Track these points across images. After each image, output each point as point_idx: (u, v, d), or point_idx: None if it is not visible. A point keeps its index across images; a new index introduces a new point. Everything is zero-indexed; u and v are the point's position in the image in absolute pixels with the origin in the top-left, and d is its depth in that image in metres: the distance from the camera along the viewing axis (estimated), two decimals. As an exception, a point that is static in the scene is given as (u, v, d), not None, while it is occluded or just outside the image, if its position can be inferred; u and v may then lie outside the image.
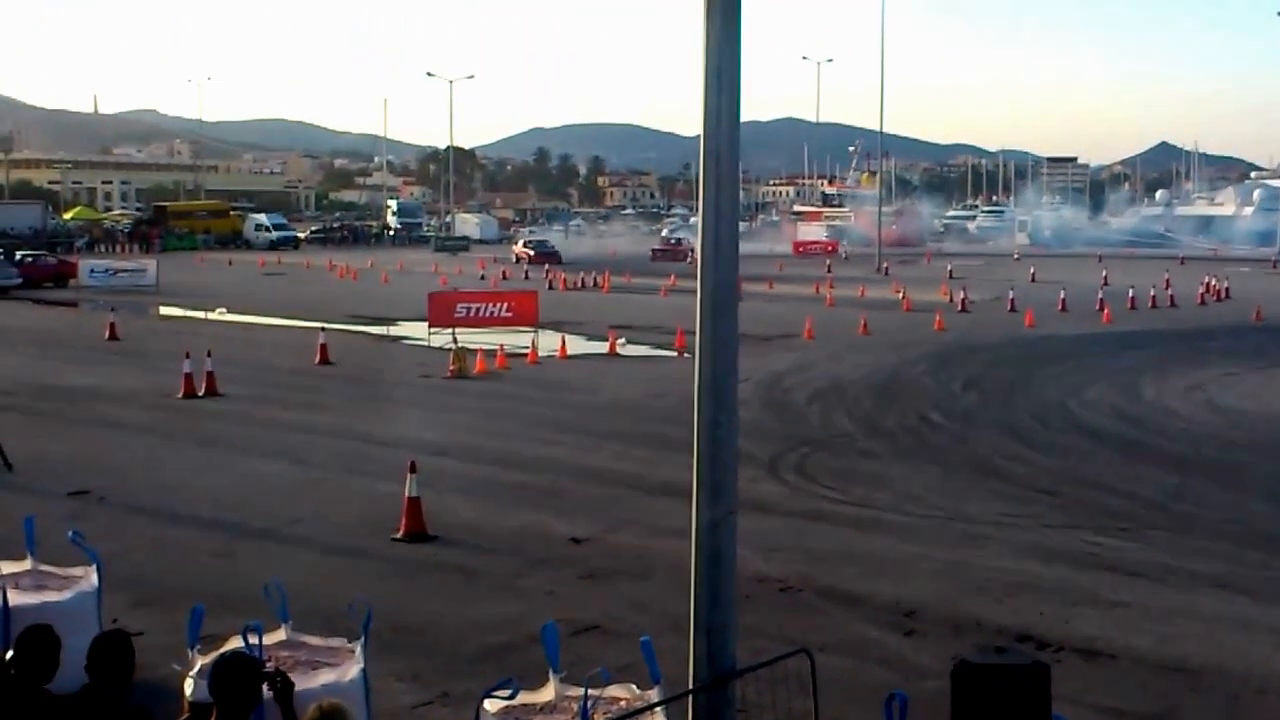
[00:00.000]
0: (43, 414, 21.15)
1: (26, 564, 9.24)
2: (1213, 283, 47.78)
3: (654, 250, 79.40)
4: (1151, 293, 43.53)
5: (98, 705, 5.63)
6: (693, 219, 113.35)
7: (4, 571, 8.92)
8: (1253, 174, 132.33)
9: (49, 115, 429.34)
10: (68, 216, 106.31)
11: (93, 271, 54.94)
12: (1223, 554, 12.84)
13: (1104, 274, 53.92)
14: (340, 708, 5.08)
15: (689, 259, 58.16)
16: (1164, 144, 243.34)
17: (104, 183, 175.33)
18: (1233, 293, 47.08)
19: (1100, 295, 42.47)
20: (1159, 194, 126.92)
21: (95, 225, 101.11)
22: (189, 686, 7.21)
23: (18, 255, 55.90)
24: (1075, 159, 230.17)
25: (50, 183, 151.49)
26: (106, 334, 32.72)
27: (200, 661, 7.37)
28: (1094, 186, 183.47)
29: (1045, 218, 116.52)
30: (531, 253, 73.27)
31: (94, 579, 9.03)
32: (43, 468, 16.67)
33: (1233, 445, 18.89)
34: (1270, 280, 57.82)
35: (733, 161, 6.60)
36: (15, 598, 8.50)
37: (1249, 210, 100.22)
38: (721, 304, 6.64)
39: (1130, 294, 42.90)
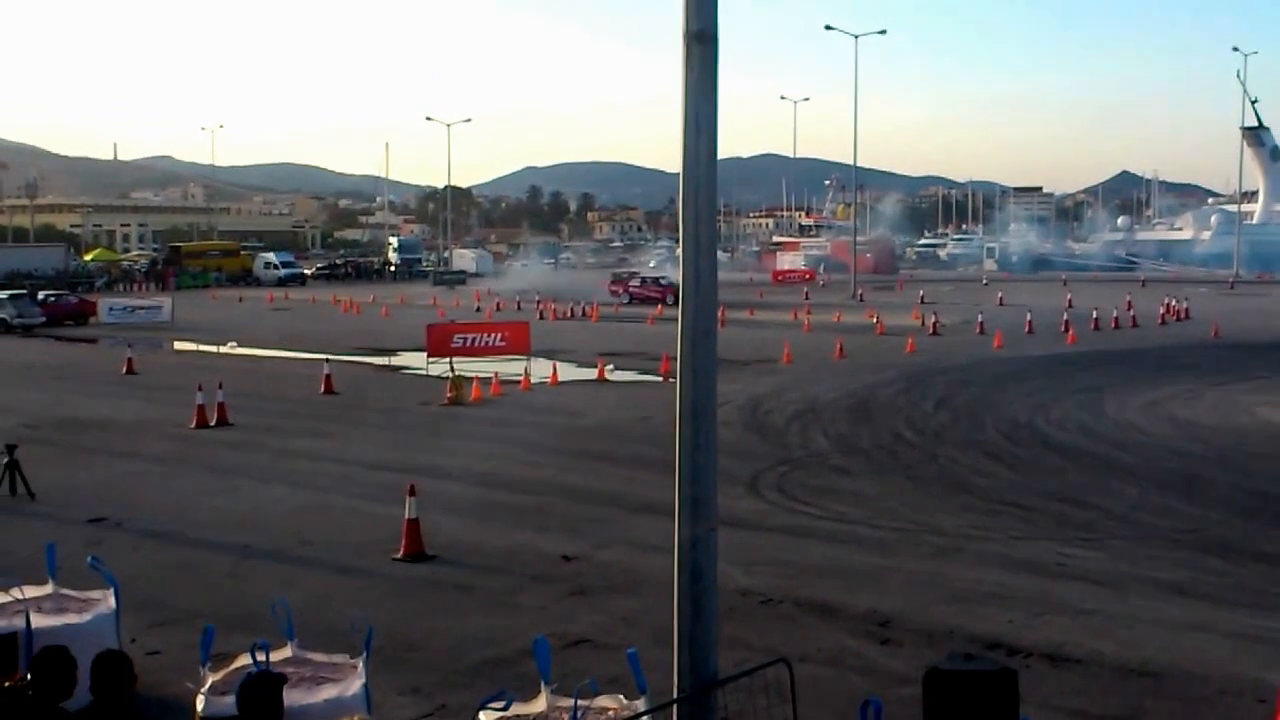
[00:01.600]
0: (64, 445, 21.08)
1: (48, 588, 9.23)
2: (1173, 303, 47.98)
3: (623, 288, 64.52)
4: (1114, 314, 43.70)
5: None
6: (678, 251, 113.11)
7: (27, 595, 8.88)
8: (1210, 200, 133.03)
9: (71, 162, 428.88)
10: (88, 258, 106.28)
11: (111, 309, 54.94)
12: (1183, 562, 12.86)
13: (1068, 297, 54.08)
14: None
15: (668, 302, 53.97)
16: (1125, 172, 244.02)
17: (123, 225, 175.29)
18: (1192, 313, 47.27)
19: (1065, 317, 42.62)
20: (1120, 220, 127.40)
21: (114, 265, 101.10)
22: (200, 703, 7.19)
23: (41, 295, 55.83)
24: (1040, 188, 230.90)
25: (72, 226, 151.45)
26: (124, 368, 32.64)
27: (211, 678, 7.36)
28: (1059, 213, 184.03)
29: (1013, 244, 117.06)
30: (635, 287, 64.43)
31: (112, 601, 9.01)
32: (63, 495, 16.63)
33: (1192, 458, 18.92)
34: (1228, 300, 58.04)
35: (710, 199, 6.66)
36: (38, 620, 8.47)
37: (1207, 234, 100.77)
38: (701, 331, 6.69)
39: (1094, 315, 43.01)
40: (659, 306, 54.97)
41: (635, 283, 65.53)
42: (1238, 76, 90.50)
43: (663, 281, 62.82)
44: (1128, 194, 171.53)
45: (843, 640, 10.40)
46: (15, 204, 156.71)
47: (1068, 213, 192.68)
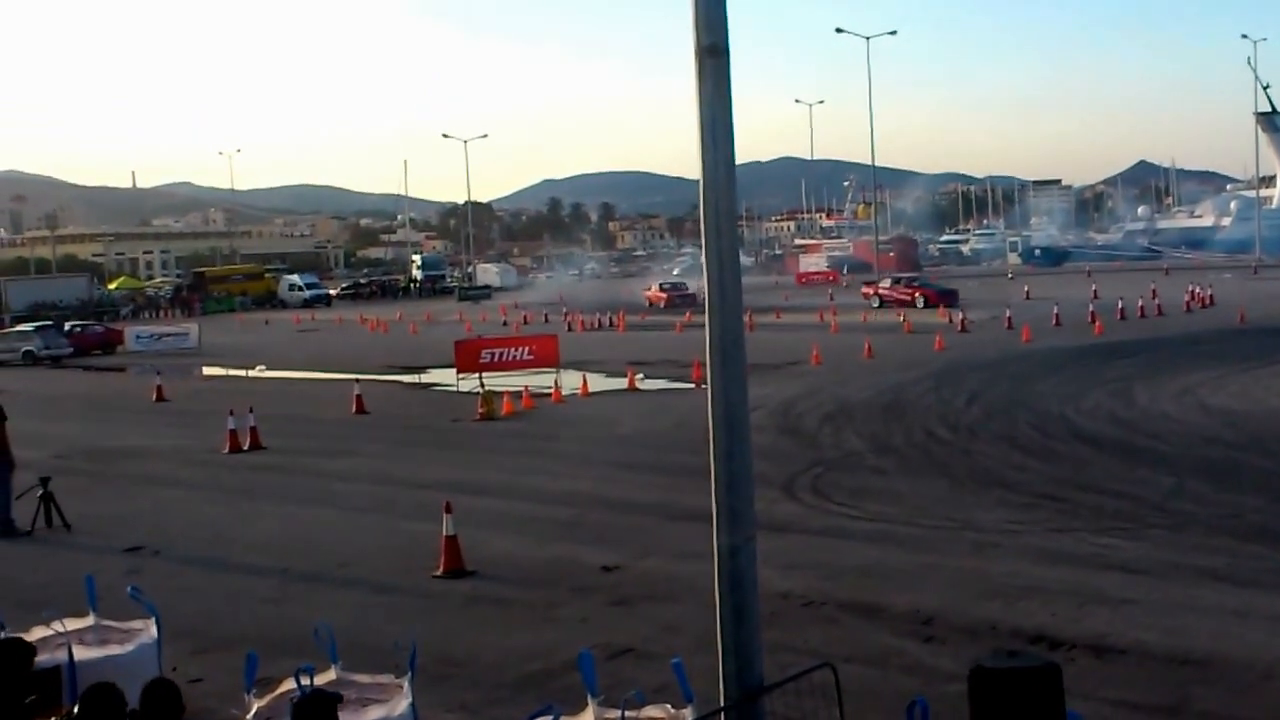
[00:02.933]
0: (97, 475, 21.26)
1: (89, 620, 9.25)
2: (1197, 290, 47.69)
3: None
4: (1140, 303, 43.42)
5: None
6: (703, 258, 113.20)
7: (68, 628, 8.93)
8: (1229, 186, 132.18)
9: (91, 192, 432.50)
10: (112, 286, 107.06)
11: (138, 337, 55.34)
12: (1222, 548, 12.77)
13: (1094, 288, 53.84)
14: None
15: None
16: (1143, 162, 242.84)
17: (145, 253, 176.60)
18: (1217, 299, 46.96)
19: (1091, 308, 42.41)
20: (1141, 209, 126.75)
21: (138, 293, 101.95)
22: (246, 729, 7.23)
23: (67, 325, 56.28)
24: (1059, 180, 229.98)
25: (95, 255, 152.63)
26: (154, 396, 32.88)
27: (256, 705, 7.38)
28: (1079, 205, 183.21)
29: (1035, 237, 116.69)
30: (666, 295, 66.79)
31: (153, 631, 9.03)
32: (99, 526, 16.76)
33: (1225, 444, 18.79)
34: (1251, 285, 57.62)
35: (730, 211, 6.69)
36: (80, 653, 8.49)
37: (1227, 220, 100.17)
38: (730, 342, 6.70)
39: (1120, 305, 42.78)
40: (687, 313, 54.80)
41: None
42: (1248, 63, 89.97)
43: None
44: (1146, 183, 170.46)
45: (886, 640, 10.38)
46: (36, 235, 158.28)
47: (1088, 204, 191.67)
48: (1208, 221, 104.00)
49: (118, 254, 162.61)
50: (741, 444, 6.71)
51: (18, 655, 6.78)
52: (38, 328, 53.46)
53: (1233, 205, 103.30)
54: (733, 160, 6.62)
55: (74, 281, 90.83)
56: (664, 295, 67.08)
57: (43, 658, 7.81)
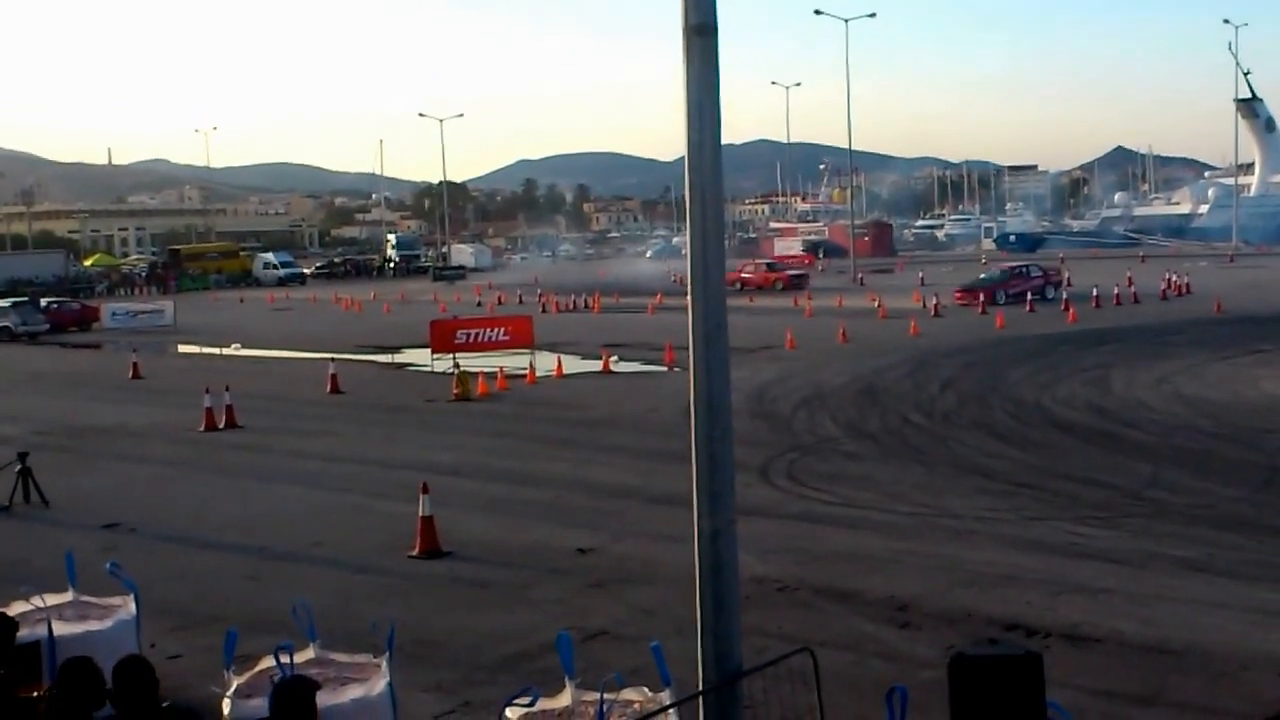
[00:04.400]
0: (74, 451, 21.12)
1: (69, 595, 9.24)
2: (1174, 279, 47.90)
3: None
4: (1115, 290, 43.61)
5: None
6: (675, 240, 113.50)
7: (48, 603, 8.89)
8: (1207, 173, 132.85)
9: (67, 168, 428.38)
10: (88, 263, 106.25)
11: (114, 314, 54.95)
12: (1199, 538, 12.85)
13: (1068, 275, 54.02)
14: None
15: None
16: (1120, 148, 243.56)
17: (120, 230, 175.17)
18: (1193, 287, 47.19)
19: (1065, 295, 42.57)
20: (1118, 196, 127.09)
21: (114, 270, 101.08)
22: (227, 707, 7.20)
23: (43, 302, 55.83)
24: (1035, 166, 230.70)
25: (70, 232, 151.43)
26: (130, 373, 32.65)
27: (236, 682, 7.37)
28: (1055, 191, 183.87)
29: (1010, 223, 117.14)
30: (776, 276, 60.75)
31: (132, 607, 9.03)
32: (76, 502, 16.66)
33: (1202, 433, 18.90)
34: (1228, 274, 57.94)
35: (716, 191, 6.65)
36: (60, 628, 8.50)
37: (1205, 208, 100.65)
38: (713, 325, 6.67)
39: (1095, 292, 42.96)
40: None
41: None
42: (1229, 49, 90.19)
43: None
44: (1124, 169, 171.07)
45: (861, 625, 10.42)
46: (12, 211, 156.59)
47: (1064, 190, 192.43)
48: (1185, 209, 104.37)
49: (93, 231, 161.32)
50: (723, 428, 6.69)
51: (0, 629, 6.73)
52: (14, 304, 53.00)
53: (1211, 193, 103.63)
54: (719, 140, 6.58)
55: (50, 258, 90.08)
56: (775, 275, 61.06)
57: (22, 633, 7.76)
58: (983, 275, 50.78)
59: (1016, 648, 6.08)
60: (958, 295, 45.84)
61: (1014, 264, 51.46)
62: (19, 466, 16.58)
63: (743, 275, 60.80)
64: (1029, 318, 38.45)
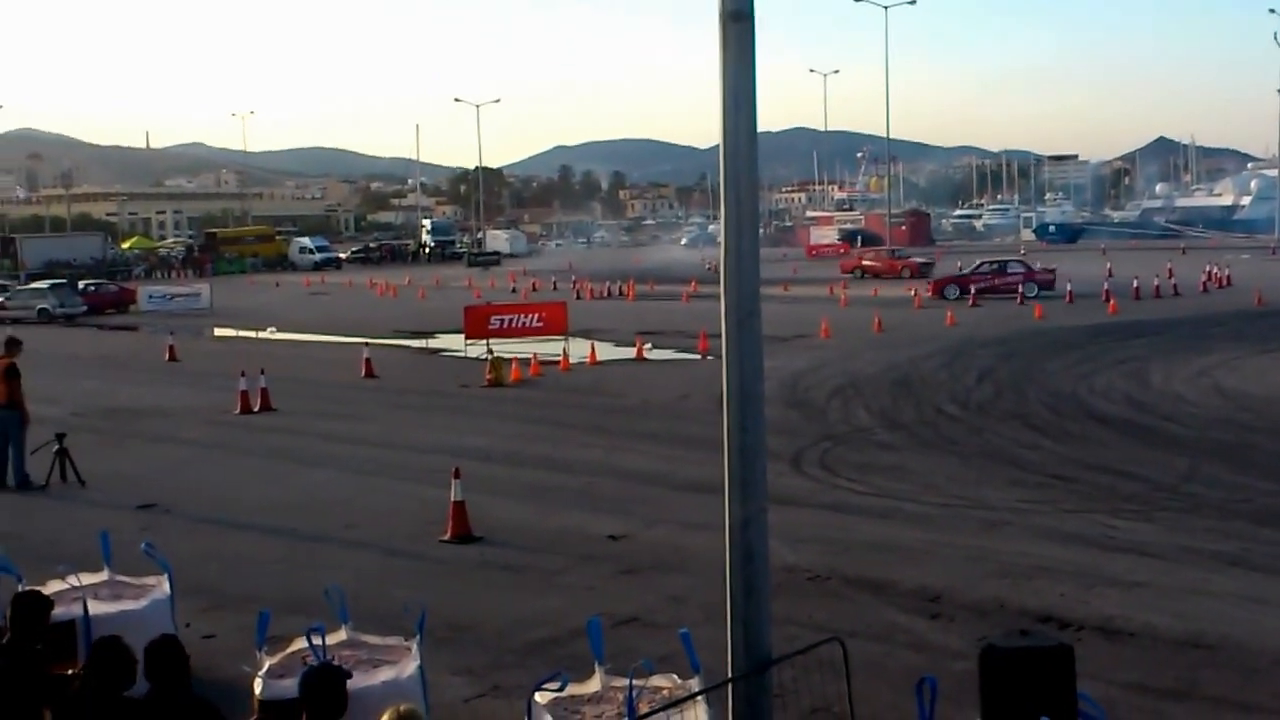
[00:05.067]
0: (110, 433, 21.34)
1: (104, 575, 9.32)
2: (1214, 270, 47.44)
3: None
4: (1155, 282, 43.21)
5: (167, 704, 5.72)
6: (710, 227, 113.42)
7: (84, 582, 8.99)
8: (1249, 165, 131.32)
9: (106, 152, 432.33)
10: (125, 246, 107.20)
11: (151, 297, 55.48)
12: (1235, 532, 12.74)
13: (1108, 266, 53.60)
14: (416, 712, 5.06)
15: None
16: (1162, 138, 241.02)
17: (158, 213, 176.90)
18: (1234, 280, 46.71)
19: (1106, 286, 42.23)
20: (1159, 187, 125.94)
21: (151, 253, 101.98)
22: (258, 686, 7.27)
23: (81, 284, 56.40)
24: (1076, 156, 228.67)
25: (108, 214, 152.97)
26: (166, 356, 32.97)
27: (268, 662, 7.43)
28: (1095, 181, 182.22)
29: (1049, 213, 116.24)
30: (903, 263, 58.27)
31: (166, 587, 9.10)
32: (112, 483, 16.83)
33: (1240, 427, 18.72)
34: (1270, 266, 57.32)
35: (751, 179, 6.62)
36: (95, 607, 8.57)
37: (1247, 200, 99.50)
38: (745, 313, 6.66)
39: (1135, 284, 42.58)
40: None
41: None
42: (1275, 39, 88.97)
43: None
44: (1165, 160, 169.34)
45: (893, 616, 10.39)
46: (52, 194, 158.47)
47: (1105, 180, 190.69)
48: (1227, 200, 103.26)
49: (131, 213, 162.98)
50: (755, 415, 6.68)
51: (36, 608, 6.84)
52: (52, 286, 53.61)
53: (1253, 184, 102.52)
54: (754, 128, 6.55)
55: (88, 240, 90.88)
56: (901, 263, 58.75)
57: (58, 611, 7.86)
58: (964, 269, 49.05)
59: (1048, 639, 6.05)
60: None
61: (995, 259, 49.25)
62: (56, 447, 16.78)
63: (864, 262, 58.76)
64: (1071, 309, 38.16)
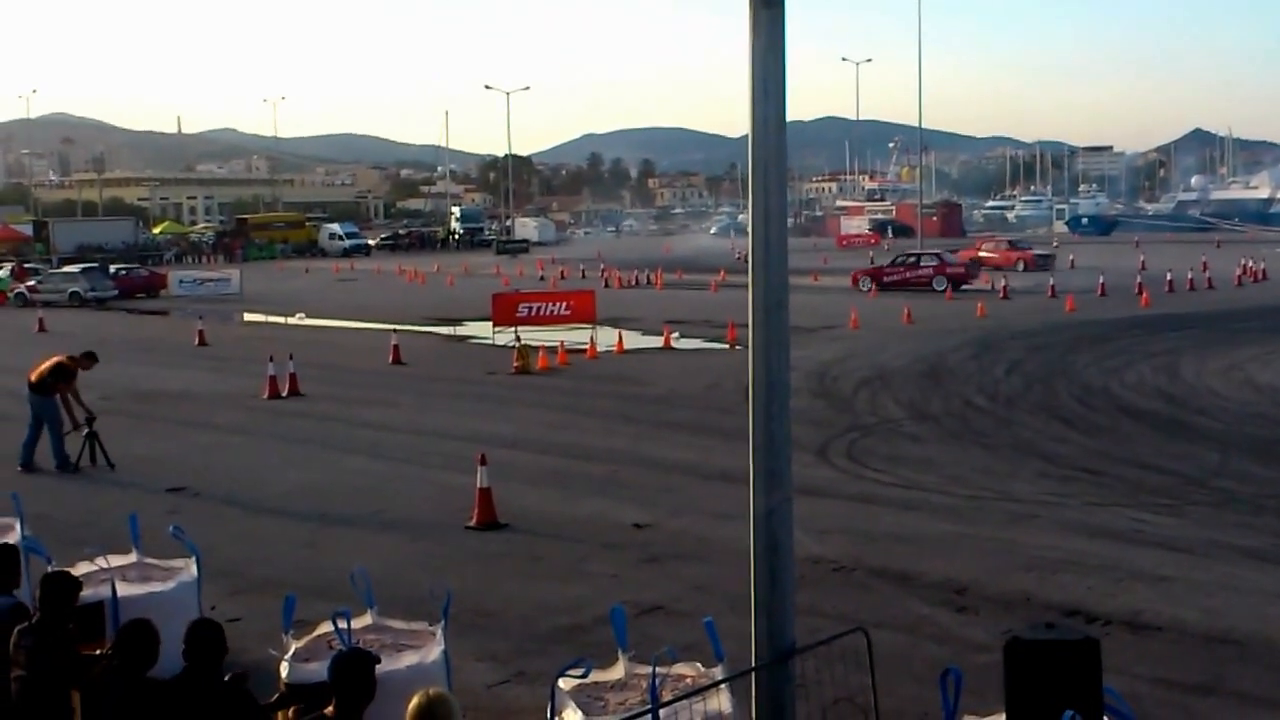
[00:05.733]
0: (140, 416, 21.51)
1: (132, 557, 9.41)
2: (1249, 264, 47.00)
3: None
4: (1189, 276, 42.87)
5: (197, 686, 5.81)
6: (740, 216, 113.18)
7: (112, 564, 9.08)
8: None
9: (138, 137, 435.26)
10: (157, 231, 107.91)
11: (181, 282, 55.85)
12: (1265, 528, 12.65)
13: (1141, 258, 53.19)
14: (445, 697, 5.07)
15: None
16: (1198, 130, 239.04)
17: (189, 198, 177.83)
18: (1269, 274, 46.29)
19: (1139, 279, 41.93)
20: (1195, 179, 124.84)
21: (182, 238, 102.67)
22: (284, 669, 7.33)
23: (113, 269, 56.82)
24: (1110, 147, 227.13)
25: (140, 199, 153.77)
26: (196, 340, 33.19)
27: (294, 645, 7.49)
28: (1130, 172, 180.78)
29: (1083, 205, 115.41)
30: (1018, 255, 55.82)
31: (194, 570, 9.17)
32: (142, 466, 16.99)
33: (1272, 422, 18.57)
34: (1304, 260, 56.72)
35: (780, 167, 6.59)
36: (123, 589, 8.64)
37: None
38: (774, 302, 6.65)
39: (1168, 277, 42.26)
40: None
41: None
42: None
43: None
44: (1201, 152, 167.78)
45: (918, 608, 10.38)
46: (84, 178, 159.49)
47: (1139, 172, 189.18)
48: (1263, 193, 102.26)
49: (162, 199, 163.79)
50: (781, 405, 6.67)
51: (65, 588, 6.94)
52: (84, 269, 54.05)
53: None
54: (784, 116, 6.52)
55: (120, 225, 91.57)
56: (1018, 254, 56.60)
57: (86, 593, 7.95)
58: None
59: (1074, 632, 6.02)
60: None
61: (912, 252, 49.05)
62: (86, 430, 16.95)
63: (980, 253, 56.31)
64: (1103, 302, 37.92)
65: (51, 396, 17.05)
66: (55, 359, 17.52)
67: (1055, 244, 72.50)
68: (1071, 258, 58.23)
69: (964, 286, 43.45)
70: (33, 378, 17.17)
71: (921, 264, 45.82)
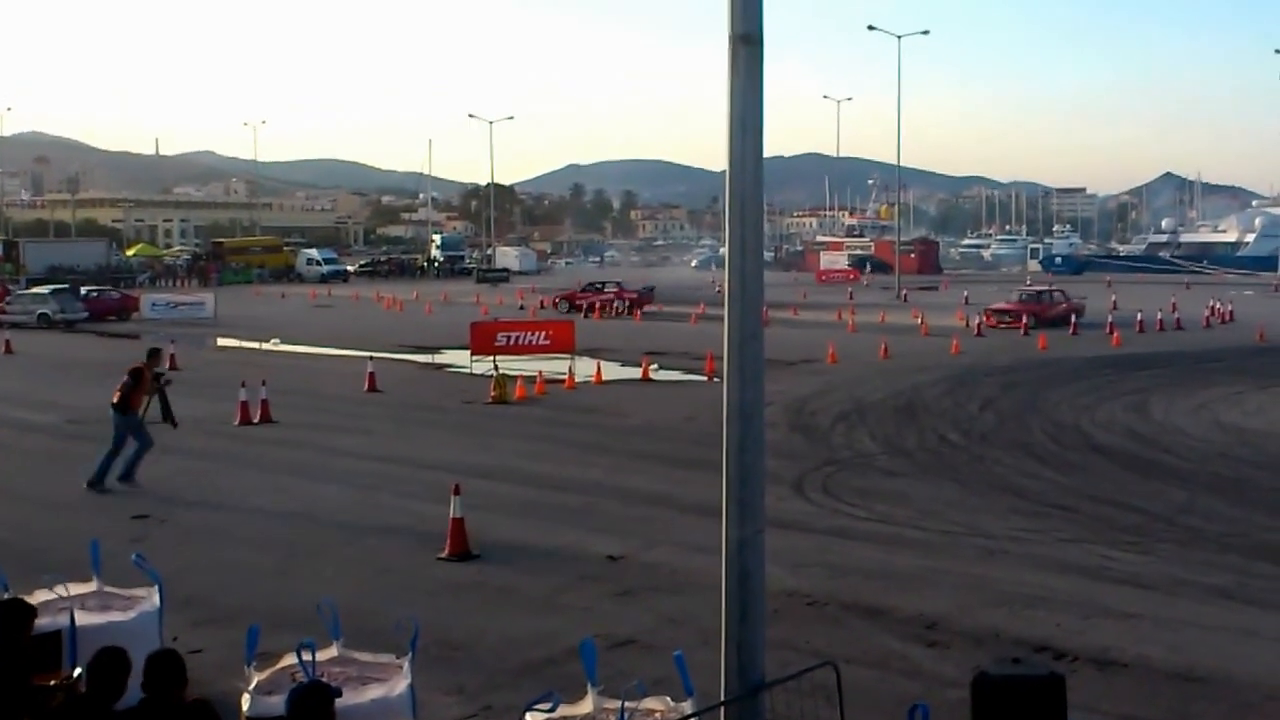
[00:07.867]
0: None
1: (93, 585, 9.26)
2: (1217, 306, 47.46)
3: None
4: (1159, 316, 43.22)
5: (156, 716, 5.70)
6: (721, 250, 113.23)
7: (71, 593, 8.94)
8: (1254, 202, 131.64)
9: (113, 157, 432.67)
10: (130, 253, 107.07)
11: (154, 305, 55.46)
12: (1230, 566, 12.72)
13: (1113, 298, 53.59)
14: None
15: None
16: (1169, 174, 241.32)
17: (165, 220, 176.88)
18: (1237, 315, 46.72)
19: (1110, 319, 42.20)
20: (1165, 222, 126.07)
21: (156, 261, 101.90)
22: (246, 702, 7.23)
23: (84, 290, 56.34)
24: (1084, 189, 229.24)
25: (114, 221, 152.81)
26: (167, 365, 32.89)
27: (257, 678, 7.39)
28: (1102, 214, 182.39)
29: (1056, 245, 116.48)
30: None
31: (156, 599, 9.03)
32: (106, 492, 16.81)
33: (1239, 461, 18.70)
34: (1272, 303, 57.31)
35: (757, 201, 6.64)
36: (82, 618, 8.49)
37: (1251, 237, 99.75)
38: (748, 334, 6.67)
39: (1139, 317, 42.59)
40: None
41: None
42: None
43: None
44: (1172, 195, 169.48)
45: (889, 643, 10.36)
46: (57, 198, 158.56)
47: (1111, 214, 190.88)
48: (1231, 237, 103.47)
49: (137, 220, 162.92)
50: (755, 437, 6.67)
51: (18, 616, 6.80)
52: (54, 291, 53.51)
53: (1257, 222, 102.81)
54: (761, 151, 6.57)
55: (92, 246, 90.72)
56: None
57: (44, 621, 7.82)
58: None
59: (1040, 668, 6.03)
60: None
61: (599, 281, 61.96)
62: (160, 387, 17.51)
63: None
64: (1075, 340, 38.15)
65: (134, 412, 17.35)
66: (125, 373, 18.00)
67: (1029, 282, 72.89)
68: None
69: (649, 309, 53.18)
70: (114, 399, 17.57)
71: (605, 290, 56.27)
